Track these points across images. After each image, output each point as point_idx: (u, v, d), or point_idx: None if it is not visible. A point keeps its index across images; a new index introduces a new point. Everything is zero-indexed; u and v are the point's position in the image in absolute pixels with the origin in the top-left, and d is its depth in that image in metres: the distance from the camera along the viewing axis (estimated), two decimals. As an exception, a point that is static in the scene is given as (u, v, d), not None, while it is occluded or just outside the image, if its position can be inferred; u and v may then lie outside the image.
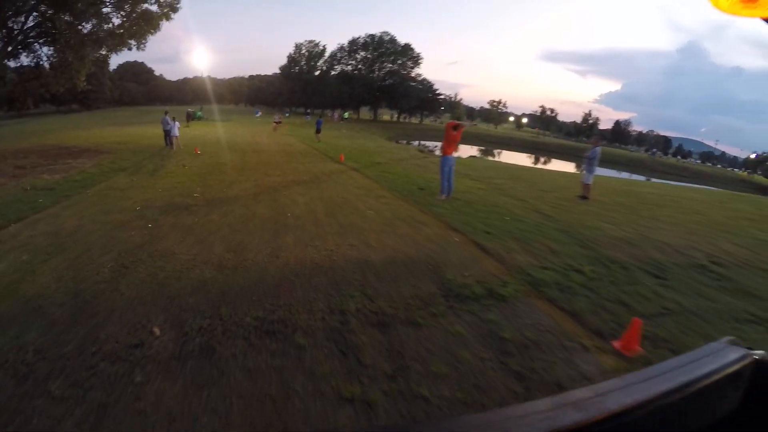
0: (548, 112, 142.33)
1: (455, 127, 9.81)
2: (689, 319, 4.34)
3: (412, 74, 75.75)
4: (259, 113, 63.79)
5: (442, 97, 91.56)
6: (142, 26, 20.45)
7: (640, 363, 3.39)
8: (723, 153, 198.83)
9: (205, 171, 12.65)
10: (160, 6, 20.32)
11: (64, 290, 4.34)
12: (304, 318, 3.88)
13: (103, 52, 22.03)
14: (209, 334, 3.54)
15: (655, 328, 4.02)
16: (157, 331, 3.58)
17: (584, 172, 12.22)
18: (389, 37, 73.58)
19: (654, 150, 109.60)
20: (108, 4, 19.44)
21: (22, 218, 7.03)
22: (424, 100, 76.99)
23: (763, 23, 0.83)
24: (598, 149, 12.13)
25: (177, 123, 18.90)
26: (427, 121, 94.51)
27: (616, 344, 3.69)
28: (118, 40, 20.71)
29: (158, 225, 6.76)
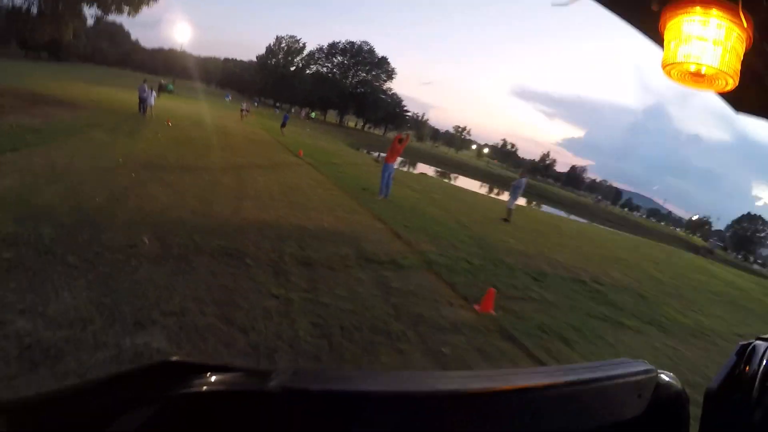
0: (509, 146, 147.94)
1: (400, 140, 11.52)
2: (546, 307, 6.05)
3: (384, 87, 78.07)
4: (229, 97, 64.32)
5: (409, 114, 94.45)
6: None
7: (488, 319, 5.06)
8: (669, 212, 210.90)
9: (177, 142, 13.83)
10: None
11: (68, 207, 5.64)
12: (253, 251, 5.38)
13: (98, 12, 22.60)
14: (185, 249, 4.98)
15: (512, 304, 5.69)
16: (146, 240, 4.99)
17: (510, 198, 14.19)
18: (368, 47, 75.97)
19: (599, 197, 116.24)
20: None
21: (16, 150, 8.15)
22: (391, 113, 79.41)
23: (716, 96, 0.84)
24: (524, 180, 14.16)
25: (154, 93, 19.89)
26: (391, 134, 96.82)
27: (476, 306, 5.35)
28: (114, 3, 21.39)
29: (140, 176, 8.06)
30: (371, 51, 76.51)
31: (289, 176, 12.25)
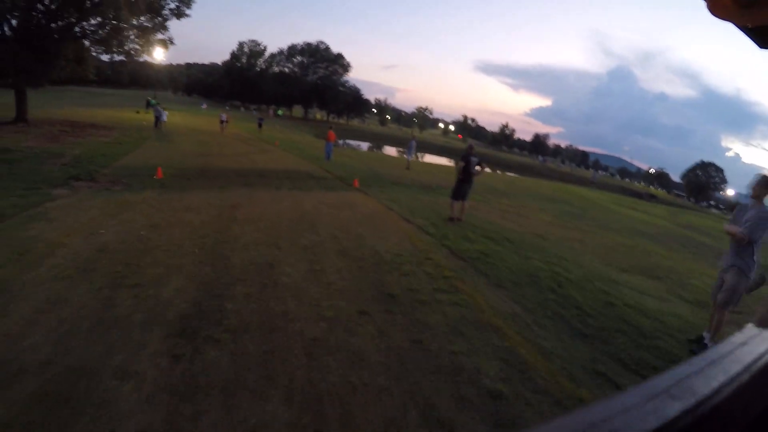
0: (470, 122, 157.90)
1: (330, 128, 20.63)
2: (390, 190, 15.05)
3: (342, 80, 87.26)
4: (204, 106, 72.35)
5: (369, 99, 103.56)
6: (146, 40, 28.85)
7: (354, 189, 13.98)
8: (638, 169, 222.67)
9: (197, 145, 22.44)
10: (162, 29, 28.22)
11: (192, 165, 14.44)
12: (268, 173, 14.28)
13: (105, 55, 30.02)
14: (246, 176, 13.85)
15: (371, 188, 14.64)
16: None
17: (406, 153, 23.37)
18: (324, 46, 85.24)
19: (544, 159, 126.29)
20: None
21: (130, 152, 16.76)
22: (351, 103, 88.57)
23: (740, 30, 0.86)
24: (413, 142, 23.40)
25: (166, 112, 28.48)
26: (355, 122, 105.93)
27: (354, 184, 14.29)
28: (118, 47, 28.99)
29: (204, 158, 16.84)
30: (327, 49, 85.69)
31: (273, 155, 21.07)
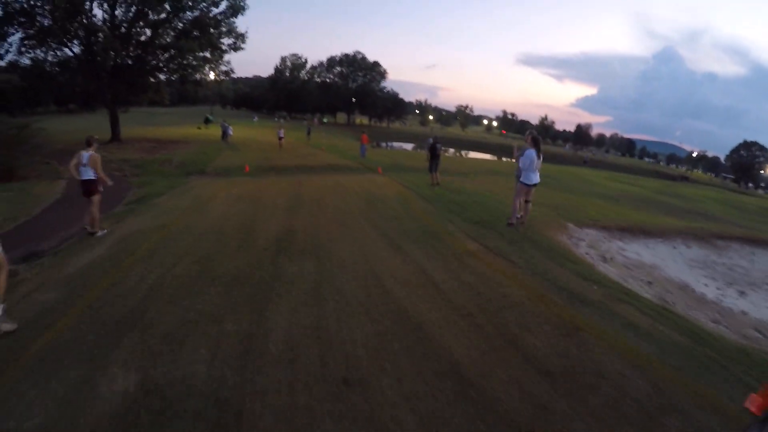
0: (509, 116, 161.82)
1: (362, 132, 26.70)
2: (403, 174, 20.95)
3: (380, 86, 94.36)
4: (256, 118, 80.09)
5: (414, 101, 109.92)
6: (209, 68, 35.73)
7: (379, 174, 19.89)
8: (689, 154, 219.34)
9: (261, 152, 28.80)
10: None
11: (264, 164, 20.70)
12: (316, 165, 20.40)
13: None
14: (306, 168, 20.02)
15: (391, 173, 20.53)
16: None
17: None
18: (361, 55, 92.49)
19: (569, 146, 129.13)
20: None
21: (216, 158, 23.18)
22: (390, 107, 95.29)
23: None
24: (531, 152, 29.14)
25: (231, 127, 35.31)
26: (396, 124, 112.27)
27: (378, 170, 20.20)
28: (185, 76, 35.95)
29: (270, 160, 23.15)
30: (364, 58, 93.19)
31: (320, 157, 27.22)
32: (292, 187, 14.13)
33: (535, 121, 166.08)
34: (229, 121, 41.60)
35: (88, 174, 8.12)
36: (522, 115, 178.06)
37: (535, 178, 9.53)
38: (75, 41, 28.64)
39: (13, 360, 4.03)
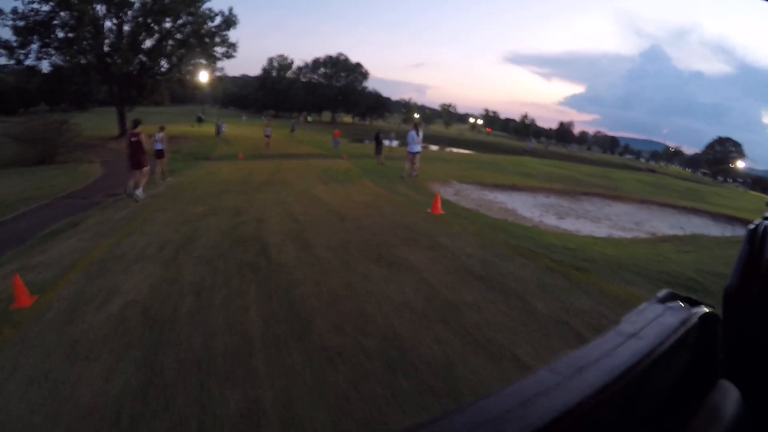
0: (490, 114, 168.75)
1: (335, 128, 32.75)
2: (363, 168, 27.00)
3: (362, 86, 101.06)
4: (245, 117, 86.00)
5: (403, 99, 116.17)
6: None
7: (347, 163, 25.93)
8: (675, 153, 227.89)
9: (251, 144, 34.65)
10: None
11: (254, 153, 26.68)
12: (302, 153, 26.44)
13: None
14: (284, 157, 26.03)
15: (357, 161, 26.56)
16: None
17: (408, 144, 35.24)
18: (344, 57, 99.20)
19: (530, 142, 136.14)
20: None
21: (216, 150, 29.13)
22: (372, 106, 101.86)
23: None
24: (413, 133, 35.20)
25: (224, 125, 41.21)
26: (380, 122, 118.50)
27: (343, 156, 26.23)
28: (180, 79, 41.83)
29: (259, 150, 29.11)
30: (346, 59, 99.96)
31: (300, 148, 33.13)
32: (275, 165, 20.11)
33: (517, 118, 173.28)
34: (219, 120, 47.33)
35: (159, 146, 14.19)
36: (509, 114, 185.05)
37: (416, 148, 15.94)
38: (89, 50, 34.47)
39: (148, 207, 10.15)
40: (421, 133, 16.39)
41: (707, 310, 0.74)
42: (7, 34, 35.15)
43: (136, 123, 13.01)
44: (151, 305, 4.88)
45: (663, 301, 0.77)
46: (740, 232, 12.66)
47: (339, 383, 3.39)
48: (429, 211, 10.41)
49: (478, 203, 14.76)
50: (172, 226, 8.65)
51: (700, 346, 0.73)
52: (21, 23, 32.24)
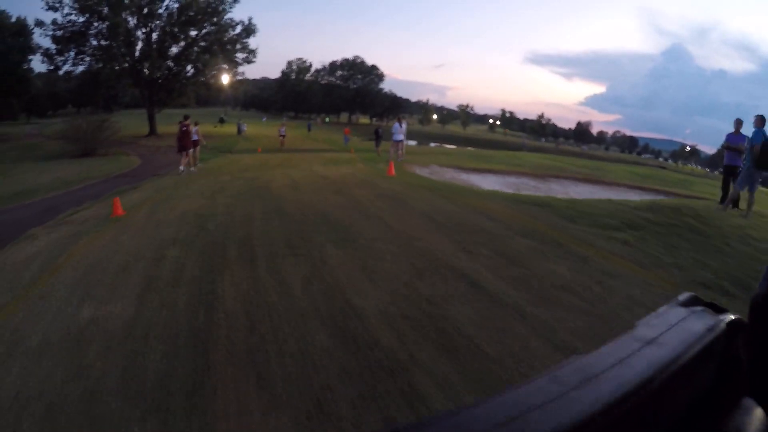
0: (507, 114, 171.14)
1: (347, 127, 36.12)
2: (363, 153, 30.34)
3: (378, 87, 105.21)
4: (265, 118, 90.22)
5: (423, 100, 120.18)
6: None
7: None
8: (697, 152, 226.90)
9: (269, 142, 38.18)
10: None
11: (271, 148, 30.22)
12: (316, 146, 29.89)
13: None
14: (300, 151, 29.52)
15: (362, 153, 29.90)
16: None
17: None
18: (360, 60, 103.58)
19: (561, 139, 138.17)
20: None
21: (237, 145, 32.74)
22: (388, 107, 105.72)
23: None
24: (397, 125, 38.57)
25: (245, 124, 44.95)
26: (390, 123, 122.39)
27: (352, 150, 29.58)
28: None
29: (274, 146, 32.67)
30: (363, 62, 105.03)
31: (314, 144, 36.52)
32: (288, 156, 23.51)
33: (561, 123, 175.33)
34: (241, 120, 51.07)
35: (195, 137, 17.71)
36: (528, 114, 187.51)
37: (398, 137, 19.33)
38: (122, 57, 38.44)
39: (188, 177, 13.63)
40: (404, 125, 19.63)
41: (734, 317, 0.71)
42: (46, 42, 38.85)
43: (186, 117, 17.64)
44: (199, 211, 8.47)
45: (685, 305, 0.73)
46: (648, 196, 15.31)
47: (293, 227, 6.93)
48: (386, 174, 13.70)
49: (441, 176, 17.84)
50: (208, 185, 12.23)
51: (726, 357, 0.69)
52: (59, 33, 36.46)
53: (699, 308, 0.72)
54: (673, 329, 0.66)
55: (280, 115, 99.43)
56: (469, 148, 59.94)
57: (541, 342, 3.63)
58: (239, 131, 44.37)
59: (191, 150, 17.40)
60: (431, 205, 8.76)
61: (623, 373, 0.54)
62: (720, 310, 0.72)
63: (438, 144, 76.87)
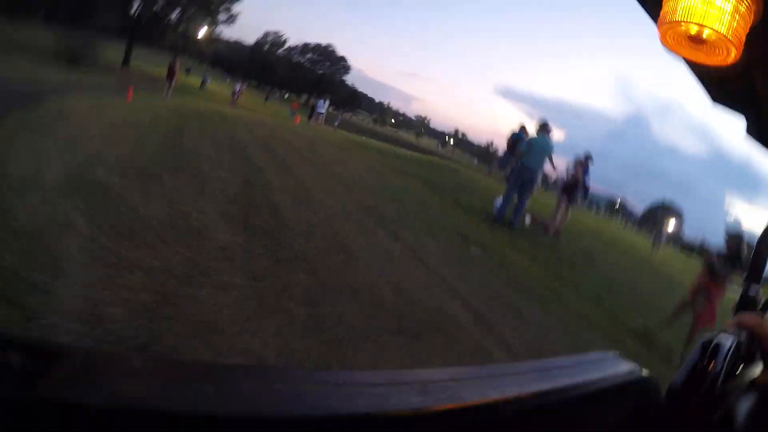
0: (460, 135, 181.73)
1: (293, 101, 42.76)
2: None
3: (342, 78, 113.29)
4: (228, 79, 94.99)
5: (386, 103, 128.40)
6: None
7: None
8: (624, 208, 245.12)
9: (226, 99, 44.12)
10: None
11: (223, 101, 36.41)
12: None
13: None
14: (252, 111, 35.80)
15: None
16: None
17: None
18: (331, 48, 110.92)
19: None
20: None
21: (199, 95, 38.73)
22: (345, 98, 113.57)
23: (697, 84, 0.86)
24: (320, 101, 45.27)
25: (209, 78, 50.60)
26: (351, 117, 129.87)
27: (297, 120, 36.11)
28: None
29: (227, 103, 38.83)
30: (333, 51, 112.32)
31: (264, 112, 42.83)
32: (241, 114, 29.90)
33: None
34: (207, 73, 56.24)
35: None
36: (481, 141, 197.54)
37: (320, 110, 27.37)
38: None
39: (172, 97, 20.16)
40: (326, 102, 26.71)
41: (647, 373, 0.76)
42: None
43: (175, 57, 23.61)
44: (182, 110, 14.95)
45: (606, 356, 0.78)
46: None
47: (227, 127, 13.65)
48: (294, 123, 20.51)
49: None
50: (181, 102, 18.61)
51: (637, 408, 0.74)
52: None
53: (617, 359, 0.78)
54: (581, 366, 0.72)
55: (244, 81, 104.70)
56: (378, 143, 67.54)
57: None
58: (203, 84, 49.75)
59: (174, 80, 23.79)
60: (301, 135, 15.45)
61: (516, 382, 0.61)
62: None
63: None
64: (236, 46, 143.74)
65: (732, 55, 0.88)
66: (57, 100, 10.50)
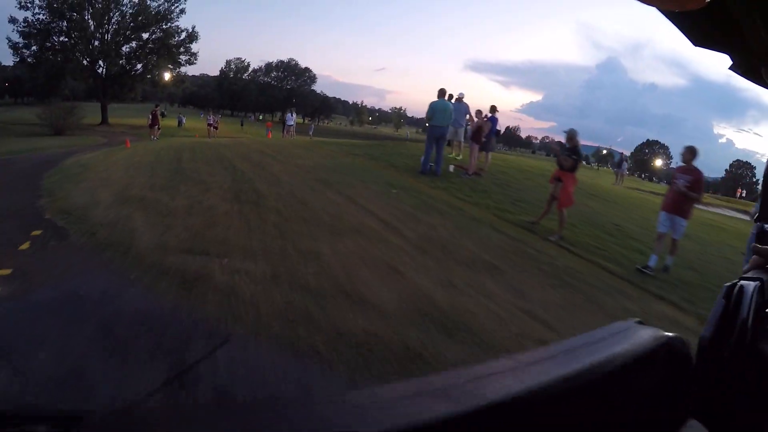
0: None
1: (269, 122, 45.88)
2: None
3: (310, 88, 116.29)
4: (202, 114, 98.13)
5: (363, 102, 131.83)
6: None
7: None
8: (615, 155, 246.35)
9: (202, 132, 47.25)
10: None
11: (203, 134, 39.60)
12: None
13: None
14: (232, 137, 38.99)
15: None
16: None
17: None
18: (294, 62, 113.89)
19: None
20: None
21: (179, 132, 41.87)
22: (317, 107, 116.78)
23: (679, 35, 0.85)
24: (288, 114, 48.50)
25: (184, 117, 53.76)
26: (328, 123, 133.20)
27: (270, 135, 39.30)
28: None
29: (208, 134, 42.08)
30: (297, 64, 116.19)
31: (242, 135, 45.95)
32: (217, 140, 33.06)
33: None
34: (181, 114, 59.42)
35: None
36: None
37: (290, 123, 30.83)
38: (83, 54, 46.82)
39: (157, 142, 23.39)
40: (294, 115, 29.77)
41: (674, 335, 0.74)
42: (15, 37, 47.57)
43: (157, 105, 26.89)
44: (170, 147, 18.19)
45: (627, 325, 0.77)
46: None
47: (213, 152, 16.93)
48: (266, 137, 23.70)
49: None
50: (168, 141, 21.79)
51: (668, 372, 0.73)
52: (27, 30, 44.63)
53: (639, 326, 0.77)
54: (613, 337, 0.72)
55: (216, 112, 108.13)
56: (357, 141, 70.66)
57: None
58: (179, 124, 52.97)
59: (157, 126, 27.14)
60: (272, 145, 18.66)
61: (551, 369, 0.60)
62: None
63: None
64: (203, 80, 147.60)
65: None
66: (77, 155, 14.27)
